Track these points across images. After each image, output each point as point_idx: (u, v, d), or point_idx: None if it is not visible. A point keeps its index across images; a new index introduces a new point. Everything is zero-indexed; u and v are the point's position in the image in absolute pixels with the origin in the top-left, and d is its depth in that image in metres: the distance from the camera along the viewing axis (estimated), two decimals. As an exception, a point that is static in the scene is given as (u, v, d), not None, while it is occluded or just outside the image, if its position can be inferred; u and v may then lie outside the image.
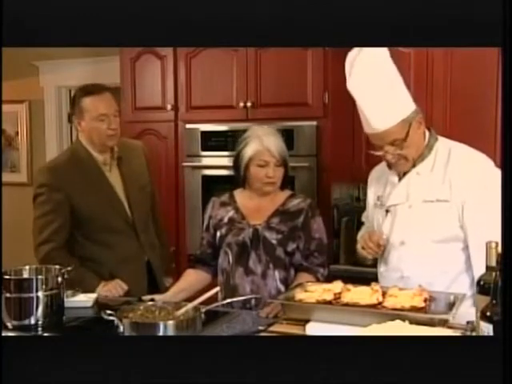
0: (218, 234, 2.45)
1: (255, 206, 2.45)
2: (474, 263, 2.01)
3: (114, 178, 2.69)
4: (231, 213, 2.46)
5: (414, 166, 2.12)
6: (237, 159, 2.44)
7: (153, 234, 2.83)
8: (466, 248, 2.06)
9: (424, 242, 2.08)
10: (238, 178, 2.47)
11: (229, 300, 2.08)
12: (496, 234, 1.52)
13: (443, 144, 2.14)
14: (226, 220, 2.45)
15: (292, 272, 2.40)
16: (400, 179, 2.16)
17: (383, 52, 2.03)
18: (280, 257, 2.38)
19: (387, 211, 2.17)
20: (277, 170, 2.39)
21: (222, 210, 2.49)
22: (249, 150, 2.38)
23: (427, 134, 2.13)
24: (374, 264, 2.34)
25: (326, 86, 3.34)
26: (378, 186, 2.26)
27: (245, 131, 2.49)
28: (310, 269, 2.39)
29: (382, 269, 2.20)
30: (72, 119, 2.67)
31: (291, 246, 2.38)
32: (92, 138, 2.61)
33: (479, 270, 1.72)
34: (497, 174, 1.95)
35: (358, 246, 2.22)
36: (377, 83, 2.01)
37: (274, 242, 2.37)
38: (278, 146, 2.39)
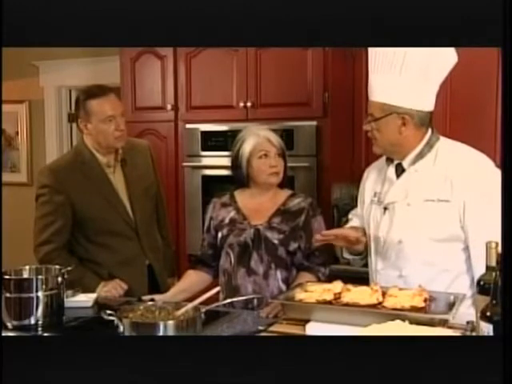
0: (220, 234, 2.45)
1: (256, 206, 2.44)
2: (474, 264, 2.00)
3: (118, 180, 2.68)
4: (232, 213, 2.46)
5: (413, 163, 2.12)
6: (236, 159, 2.44)
7: (156, 236, 2.82)
8: (466, 248, 2.05)
9: (423, 240, 2.07)
10: (240, 178, 2.46)
11: (229, 300, 2.08)
12: (497, 236, 1.52)
13: (445, 144, 2.13)
14: (227, 221, 2.45)
15: (294, 272, 2.40)
16: (398, 176, 2.15)
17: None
18: (282, 257, 2.37)
19: (385, 209, 2.16)
20: (278, 160, 2.40)
21: (222, 210, 2.48)
22: (247, 146, 2.40)
23: (429, 132, 2.12)
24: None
25: (325, 86, 3.34)
26: (377, 182, 2.25)
27: (243, 132, 2.51)
28: (310, 268, 2.39)
29: (379, 266, 2.19)
30: (77, 122, 2.64)
31: (293, 246, 2.38)
32: (99, 140, 2.59)
33: (479, 270, 1.72)
34: (498, 174, 1.95)
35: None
36: (400, 60, 2.01)
37: (276, 241, 2.37)
38: (275, 136, 2.43)
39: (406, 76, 2.02)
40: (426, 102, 2.07)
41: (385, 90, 2.05)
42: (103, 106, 2.55)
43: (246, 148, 2.40)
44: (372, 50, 2.08)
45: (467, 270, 2.06)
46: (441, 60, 2.03)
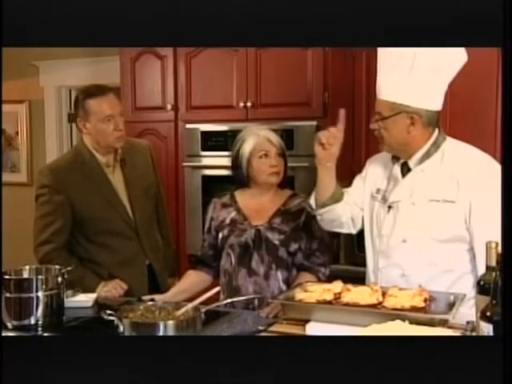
0: (220, 235, 2.45)
1: (257, 206, 2.44)
2: (479, 265, 1.99)
3: (117, 180, 2.67)
4: (233, 214, 2.45)
5: (419, 163, 2.11)
6: (236, 159, 2.44)
7: (156, 236, 2.81)
8: (470, 249, 2.04)
9: (426, 240, 2.06)
10: (241, 178, 2.46)
11: (230, 300, 2.08)
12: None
13: (451, 144, 2.11)
14: (227, 221, 2.45)
15: (294, 272, 2.40)
16: (404, 175, 2.15)
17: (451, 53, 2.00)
18: (282, 257, 2.37)
19: (389, 207, 2.15)
20: (279, 160, 2.40)
21: (223, 211, 2.48)
22: (247, 146, 2.40)
23: (436, 132, 2.11)
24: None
25: (325, 86, 3.34)
26: (381, 178, 2.24)
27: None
28: (311, 268, 2.39)
29: (380, 264, 2.18)
30: (76, 122, 2.64)
31: (293, 246, 2.38)
32: (98, 139, 2.59)
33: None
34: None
35: (317, 149, 2.25)
36: (409, 59, 2.00)
37: (277, 242, 2.37)
38: (275, 136, 2.43)
39: (416, 75, 2.00)
40: (435, 101, 2.05)
41: (394, 88, 2.03)
42: (101, 105, 2.55)
43: (246, 148, 2.40)
44: (381, 49, 2.07)
45: (471, 271, 2.05)
46: (450, 59, 2.01)
